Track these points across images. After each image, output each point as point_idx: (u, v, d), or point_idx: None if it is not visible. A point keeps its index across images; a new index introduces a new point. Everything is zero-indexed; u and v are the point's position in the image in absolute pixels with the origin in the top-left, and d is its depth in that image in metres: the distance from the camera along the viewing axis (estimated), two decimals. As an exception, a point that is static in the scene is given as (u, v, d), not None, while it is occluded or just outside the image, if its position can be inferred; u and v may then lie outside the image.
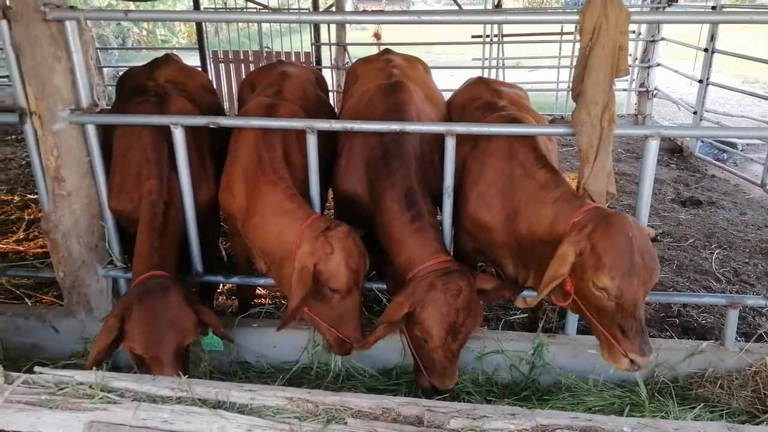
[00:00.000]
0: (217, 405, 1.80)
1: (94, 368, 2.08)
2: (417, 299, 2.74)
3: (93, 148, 3.31)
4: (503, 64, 10.64)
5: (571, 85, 3.10)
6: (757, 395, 3.09)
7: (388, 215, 3.05)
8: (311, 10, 9.74)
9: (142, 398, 1.81)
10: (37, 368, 2.00)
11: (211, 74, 10.12)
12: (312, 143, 3.15)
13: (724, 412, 2.93)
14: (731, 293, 4.69)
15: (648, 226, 3.26)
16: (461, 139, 3.18)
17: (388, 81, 3.65)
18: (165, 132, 3.24)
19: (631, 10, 2.83)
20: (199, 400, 1.81)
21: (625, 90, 10.22)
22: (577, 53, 2.88)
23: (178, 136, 3.18)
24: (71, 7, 3.14)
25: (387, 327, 2.78)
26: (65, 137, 3.24)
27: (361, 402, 1.82)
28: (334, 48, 9.88)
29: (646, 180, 3.08)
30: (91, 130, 3.27)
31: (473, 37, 10.86)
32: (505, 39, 10.54)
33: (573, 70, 3.00)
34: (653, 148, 3.01)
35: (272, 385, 2.12)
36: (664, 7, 9.03)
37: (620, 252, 2.41)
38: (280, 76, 3.93)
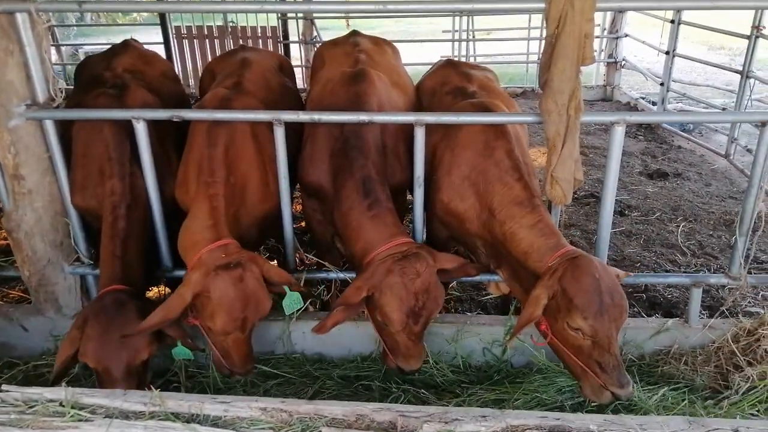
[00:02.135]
0: (191, 419, 1.80)
1: (64, 384, 2.06)
2: (374, 283, 2.74)
3: (52, 144, 3.20)
4: (474, 36, 10.57)
5: (538, 75, 3.10)
6: (719, 371, 3.21)
7: (346, 205, 3.04)
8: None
9: (114, 415, 1.80)
10: (4, 386, 1.96)
11: (175, 51, 9.84)
12: (279, 135, 3.10)
13: (687, 389, 3.04)
14: (696, 266, 4.84)
15: (617, 199, 3.31)
16: (431, 126, 3.17)
17: (353, 69, 3.59)
18: (126, 126, 3.15)
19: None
20: (172, 414, 1.80)
21: (595, 60, 10.26)
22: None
23: (141, 131, 3.09)
24: (21, -2, 3.00)
25: (344, 310, 2.78)
26: (22, 134, 3.14)
27: (335, 409, 1.84)
28: (301, 21, 9.68)
29: (612, 165, 3.12)
30: (50, 126, 3.16)
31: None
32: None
33: (541, 49, 3.00)
34: (619, 134, 3.04)
35: (245, 396, 2.12)
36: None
37: (589, 293, 2.51)
38: (240, 65, 3.83)
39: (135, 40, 4.32)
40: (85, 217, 3.41)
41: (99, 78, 3.59)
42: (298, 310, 3.15)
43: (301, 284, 3.11)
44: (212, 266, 2.66)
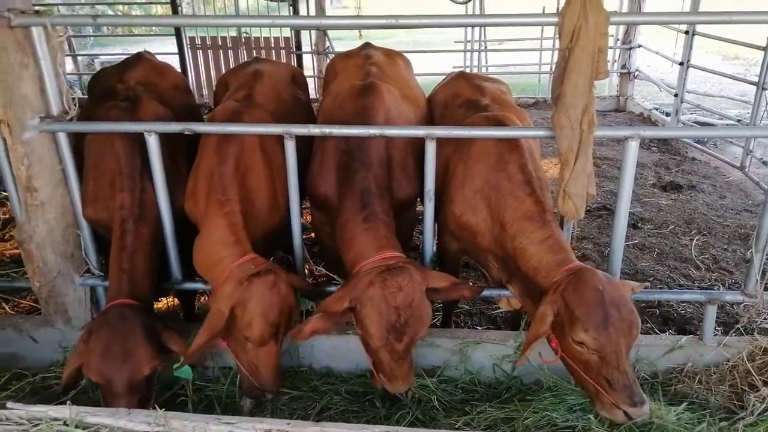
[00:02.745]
0: (196, 439, 1.79)
1: (69, 403, 2.05)
2: (356, 295, 2.67)
3: (65, 157, 3.23)
4: (486, 47, 10.55)
5: (550, 86, 3.07)
6: (734, 390, 3.14)
7: (344, 216, 3.03)
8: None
9: (119, 434, 1.79)
10: (9, 404, 1.97)
11: (189, 61, 9.92)
12: (290, 148, 3.10)
13: (706, 412, 2.97)
14: (710, 281, 4.76)
15: (630, 212, 3.27)
16: (443, 139, 3.15)
17: (362, 82, 3.58)
18: (138, 139, 3.17)
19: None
20: (177, 434, 1.79)
21: (609, 74, 10.20)
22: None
23: (153, 144, 3.11)
24: (37, 12, 3.03)
25: (322, 317, 2.69)
26: (36, 146, 3.16)
27: (341, 431, 1.81)
28: (314, 32, 9.72)
29: (626, 180, 3.07)
30: (63, 138, 3.19)
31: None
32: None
33: (554, 59, 2.97)
34: (633, 149, 3.01)
35: (250, 417, 2.10)
36: (640, 7, 9.12)
37: (591, 305, 2.48)
38: (252, 77, 3.84)
39: (148, 53, 4.35)
40: (96, 230, 3.43)
41: (112, 90, 3.62)
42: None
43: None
44: (245, 276, 2.69)
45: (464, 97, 3.73)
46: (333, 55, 7.54)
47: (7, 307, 4.20)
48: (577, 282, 2.54)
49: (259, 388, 2.81)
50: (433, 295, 2.77)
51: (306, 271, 3.64)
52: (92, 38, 16.83)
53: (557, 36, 2.85)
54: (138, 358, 2.68)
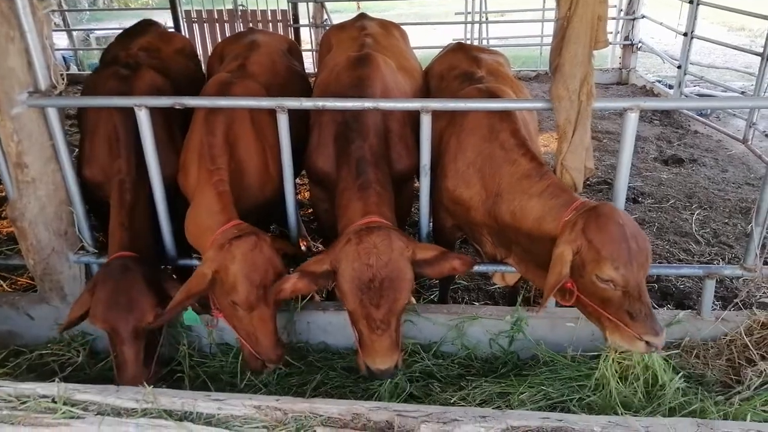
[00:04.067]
0: (184, 416, 1.77)
1: (58, 380, 2.05)
2: (334, 255, 2.63)
3: (56, 132, 3.19)
4: (487, 18, 10.38)
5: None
6: (731, 364, 3.13)
7: (341, 186, 3.01)
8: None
9: (107, 412, 1.78)
10: (-2, 381, 1.96)
11: (185, 35, 9.78)
12: (283, 122, 3.05)
13: (699, 387, 2.96)
14: (710, 256, 4.73)
15: (630, 186, 3.23)
16: (438, 112, 3.09)
17: (358, 53, 3.51)
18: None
19: (610, -22, 2.72)
20: (165, 411, 1.78)
21: (609, 43, 10.06)
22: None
23: (143, 118, 3.06)
24: (20, -17, 2.95)
25: (303, 276, 2.62)
26: (25, 122, 3.11)
27: (331, 408, 1.80)
28: (311, 5, 9.56)
29: (625, 153, 3.01)
30: (53, 114, 3.14)
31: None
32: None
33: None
34: (632, 121, 2.94)
35: (239, 394, 2.09)
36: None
37: (617, 242, 2.42)
38: (247, 47, 3.79)
39: (156, 21, 4.38)
40: (93, 194, 3.42)
41: (116, 57, 3.70)
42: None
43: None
44: (227, 241, 2.68)
45: (460, 69, 3.66)
46: (330, 28, 7.37)
47: (4, 285, 4.20)
48: (598, 218, 2.47)
49: (261, 359, 2.80)
50: (424, 268, 2.68)
51: (303, 247, 3.62)
52: (88, 13, 16.61)
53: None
54: (141, 305, 2.78)
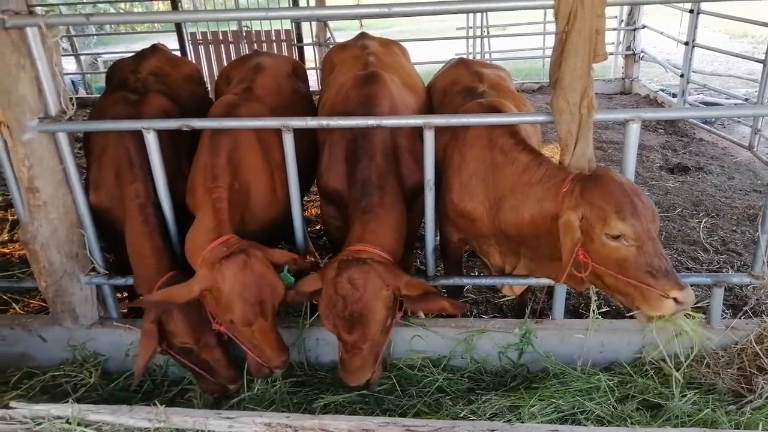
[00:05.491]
0: (196, 435, 1.80)
1: (71, 401, 2.07)
2: (323, 276, 2.76)
3: (66, 156, 3.24)
4: (488, 32, 10.47)
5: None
6: (743, 373, 3.11)
7: (350, 207, 3.07)
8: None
9: (120, 431, 1.80)
10: (12, 403, 1.99)
11: (191, 57, 9.93)
12: (288, 141, 3.09)
13: (711, 396, 2.95)
14: (719, 264, 4.72)
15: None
16: (440, 128, 3.13)
17: (364, 71, 3.56)
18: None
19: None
20: (177, 430, 1.80)
21: (611, 54, 10.11)
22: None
23: (151, 141, 3.11)
24: (31, 13, 3.03)
25: (296, 294, 2.82)
26: (36, 147, 3.17)
27: (340, 424, 1.82)
28: (314, 24, 9.68)
29: (628, 164, 3.03)
30: (63, 138, 3.19)
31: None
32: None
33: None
34: (634, 132, 2.96)
35: (250, 411, 2.11)
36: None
37: (619, 195, 2.45)
38: (253, 70, 3.84)
39: (163, 45, 4.42)
40: (102, 219, 3.44)
41: (125, 81, 3.72)
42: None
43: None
44: (216, 260, 2.69)
45: (463, 84, 3.70)
46: (333, 47, 7.45)
47: (17, 308, 4.25)
48: (596, 179, 2.52)
49: (268, 366, 2.81)
50: (412, 303, 2.78)
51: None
52: (95, 37, 16.86)
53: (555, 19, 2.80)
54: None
